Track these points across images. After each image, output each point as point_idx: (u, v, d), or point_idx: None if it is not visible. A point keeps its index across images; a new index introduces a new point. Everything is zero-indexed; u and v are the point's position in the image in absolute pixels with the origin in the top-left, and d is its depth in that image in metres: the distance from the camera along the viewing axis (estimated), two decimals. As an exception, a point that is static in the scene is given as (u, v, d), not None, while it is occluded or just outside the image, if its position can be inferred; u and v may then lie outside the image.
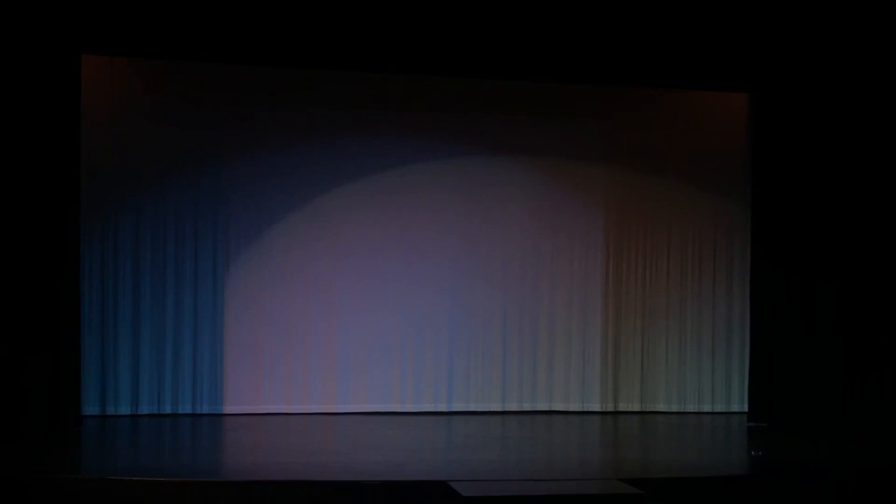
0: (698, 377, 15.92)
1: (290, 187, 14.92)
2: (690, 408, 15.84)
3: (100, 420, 14.05)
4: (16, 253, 13.00)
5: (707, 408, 15.87)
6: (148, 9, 13.34)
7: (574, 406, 15.60)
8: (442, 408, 15.12)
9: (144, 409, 14.48)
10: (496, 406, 15.36)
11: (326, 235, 15.05)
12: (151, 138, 14.49)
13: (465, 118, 15.31)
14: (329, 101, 15.01)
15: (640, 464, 12.06)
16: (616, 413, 15.65)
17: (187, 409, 14.63)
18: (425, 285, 15.22)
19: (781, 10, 13.86)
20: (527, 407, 15.44)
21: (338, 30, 13.94)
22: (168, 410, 14.59)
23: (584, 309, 15.68)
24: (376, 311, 15.06)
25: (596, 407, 15.67)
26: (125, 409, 14.42)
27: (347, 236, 15.06)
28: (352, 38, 14.11)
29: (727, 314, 15.93)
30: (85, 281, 14.15)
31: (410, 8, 13.75)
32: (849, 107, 14.27)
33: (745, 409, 15.39)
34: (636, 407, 15.75)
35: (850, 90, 14.21)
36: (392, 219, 15.18)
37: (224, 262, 14.82)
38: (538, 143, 15.51)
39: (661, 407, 15.79)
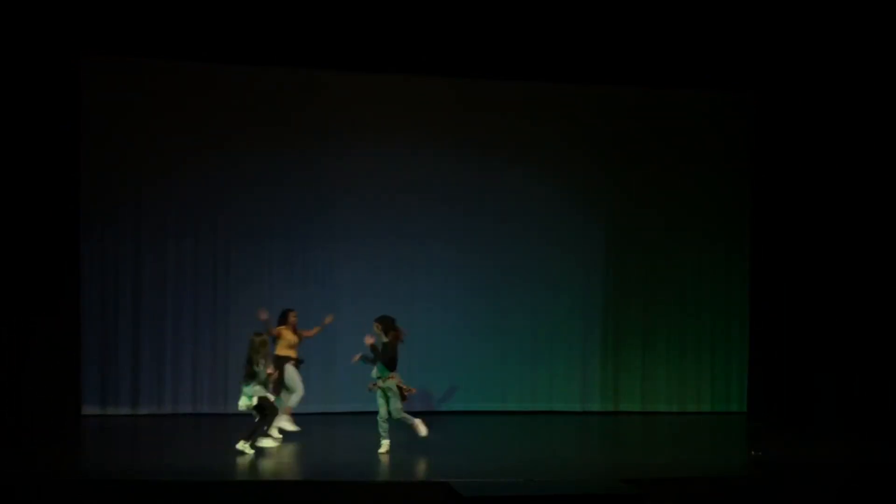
0: (698, 377, 15.93)
1: (291, 187, 14.92)
2: (690, 408, 15.86)
3: (100, 420, 14.06)
4: (16, 254, 13.01)
5: (707, 408, 15.88)
6: (147, 10, 13.37)
7: (574, 406, 15.61)
8: (442, 408, 15.12)
9: (144, 409, 14.50)
10: (496, 406, 15.37)
11: (327, 236, 15.05)
12: (151, 138, 14.50)
13: (465, 119, 15.30)
14: (329, 101, 15.00)
15: (640, 464, 12.06)
16: (616, 413, 15.66)
17: (187, 409, 14.65)
18: (426, 286, 15.23)
19: (781, 13, 13.87)
20: (527, 407, 15.45)
21: (337, 30, 13.97)
22: (168, 410, 14.60)
23: (584, 309, 15.69)
24: (377, 311, 14.99)
25: (596, 407, 15.68)
26: (125, 409, 14.43)
27: (348, 237, 15.07)
28: (351, 39, 14.14)
29: (727, 315, 15.94)
30: (85, 281, 14.17)
31: (411, 9, 13.78)
32: (849, 108, 14.26)
33: (745, 409, 15.42)
34: (636, 407, 15.76)
35: (850, 92, 14.20)
36: (393, 220, 15.18)
37: (224, 262, 14.82)
38: (538, 143, 15.51)
39: (661, 407, 15.80)
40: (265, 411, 11.88)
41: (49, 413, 13.03)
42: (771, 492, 10.84)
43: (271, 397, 12.02)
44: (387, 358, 11.95)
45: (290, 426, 13.08)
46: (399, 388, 11.93)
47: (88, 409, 14.14)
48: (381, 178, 15.14)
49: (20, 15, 12.91)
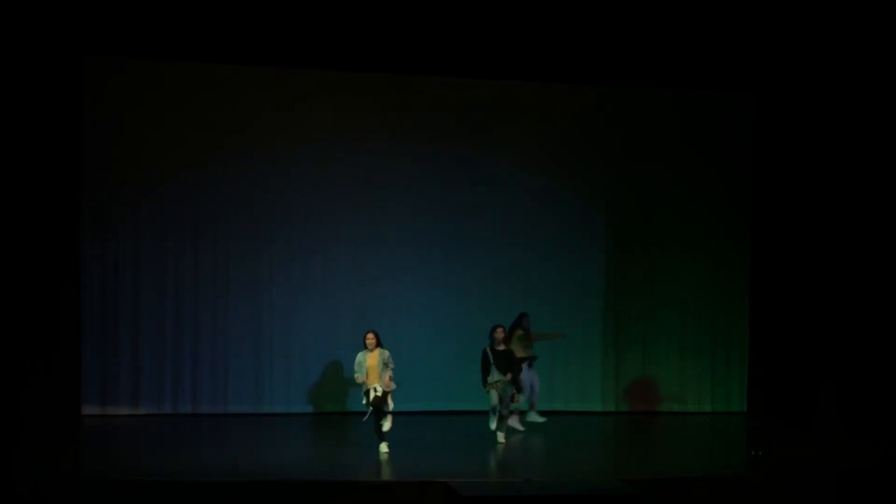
0: (698, 377, 15.93)
1: (291, 187, 14.91)
2: (690, 408, 15.86)
3: (100, 420, 14.06)
4: (17, 254, 12.99)
5: (707, 408, 15.88)
6: (148, 11, 13.37)
7: (574, 406, 15.61)
8: (442, 408, 15.11)
9: (144, 409, 14.50)
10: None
11: (326, 236, 15.05)
12: (151, 138, 14.50)
13: (464, 119, 15.29)
14: (329, 101, 14.99)
15: (640, 464, 12.07)
16: (616, 413, 15.66)
17: (187, 409, 14.64)
18: (426, 286, 15.22)
19: (780, 14, 13.87)
20: (527, 407, 15.41)
21: (338, 31, 13.97)
22: (168, 410, 14.60)
23: (584, 309, 15.68)
24: (376, 311, 15.03)
25: (596, 407, 15.68)
26: (125, 409, 14.43)
27: (347, 238, 15.06)
28: (350, 39, 14.13)
29: (727, 315, 15.94)
30: (85, 281, 14.17)
31: (411, 9, 13.77)
32: (849, 109, 14.25)
33: (745, 409, 15.42)
34: (637, 407, 15.75)
35: (850, 93, 14.19)
36: (392, 220, 15.18)
37: (224, 262, 14.82)
38: (537, 144, 15.51)
39: (661, 407, 15.79)
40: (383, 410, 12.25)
41: (49, 413, 13.01)
42: (771, 492, 10.85)
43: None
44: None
45: (518, 425, 13.88)
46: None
47: (88, 409, 14.14)
48: (382, 181, 15.12)
49: (22, 15, 12.90)
